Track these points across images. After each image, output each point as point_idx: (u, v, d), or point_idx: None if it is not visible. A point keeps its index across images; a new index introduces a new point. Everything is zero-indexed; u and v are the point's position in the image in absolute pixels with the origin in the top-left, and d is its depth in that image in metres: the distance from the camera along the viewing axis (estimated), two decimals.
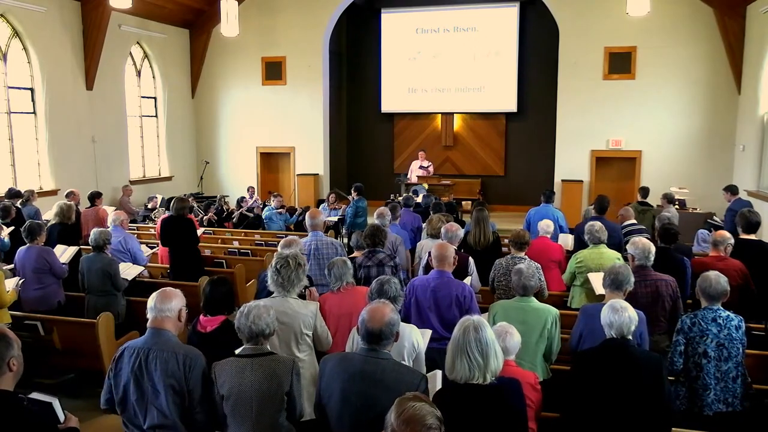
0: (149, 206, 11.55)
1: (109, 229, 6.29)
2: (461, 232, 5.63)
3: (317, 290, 4.87)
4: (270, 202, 11.26)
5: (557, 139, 12.86)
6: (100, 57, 11.31)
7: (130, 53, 12.78)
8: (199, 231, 7.80)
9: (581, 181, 12.66)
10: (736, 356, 3.74)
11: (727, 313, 3.78)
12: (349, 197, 10.34)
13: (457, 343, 2.73)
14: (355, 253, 5.53)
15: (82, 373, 5.90)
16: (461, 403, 2.68)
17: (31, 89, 10.41)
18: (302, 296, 3.86)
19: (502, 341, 3.15)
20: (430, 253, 4.83)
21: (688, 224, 9.90)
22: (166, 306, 3.04)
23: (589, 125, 12.53)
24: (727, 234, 5.20)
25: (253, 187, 13.00)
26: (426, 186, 12.35)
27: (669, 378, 3.75)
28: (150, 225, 10.86)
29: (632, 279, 3.95)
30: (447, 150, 15.33)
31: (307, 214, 5.75)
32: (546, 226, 6.45)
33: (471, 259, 5.45)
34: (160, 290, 3.12)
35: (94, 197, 8.84)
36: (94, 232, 5.79)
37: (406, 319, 4.35)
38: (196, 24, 14.09)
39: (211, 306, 3.66)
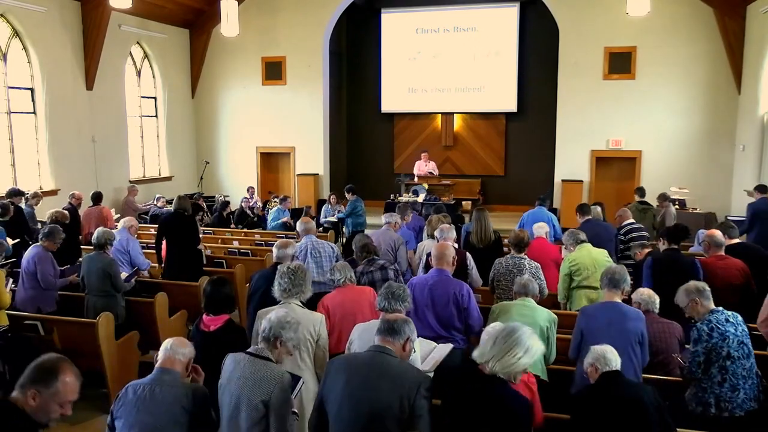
0: (158, 205, 11.59)
1: (113, 230, 6.33)
2: (453, 232, 5.68)
3: (315, 288, 4.98)
4: (273, 203, 11.26)
5: (557, 139, 12.86)
6: (100, 57, 11.30)
7: (130, 53, 12.78)
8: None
9: (581, 181, 12.66)
10: (751, 351, 3.79)
11: (730, 311, 3.83)
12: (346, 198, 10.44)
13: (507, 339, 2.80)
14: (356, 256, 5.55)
15: (81, 373, 5.92)
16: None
17: (31, 89, 10.41)
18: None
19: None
20: (430, 252, 4.86)
21: (688, 224, 9.88)
22: (181, 350, 3.05)
23: (589, 125, 12.53)
24: (717, 232, 5.24)
25: (253, 187, 13.01)
26: (426, 186, 12.37)
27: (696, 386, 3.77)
28: (151, 225, 10.87)
29: (629, 279, 4.00)
30: (447, 150, 15.33)
31: (299, 222, 5.82)
32: (539, 227, 6.57)
33: (469, 254, 5.50)
34: (176, 337, 3.15)
35: (99, 197, 8.90)
36: (98, 231, 5.78)
37: None
38: (196, 24, 14.09)
39: (213, 306, 3.69)
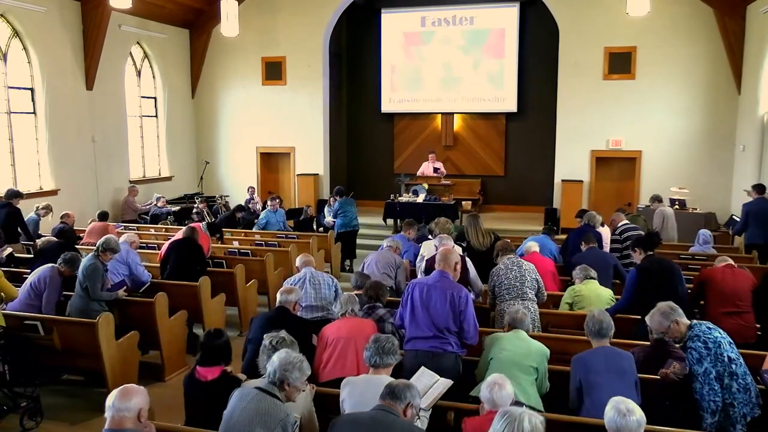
0: (159, 205, 11.59)
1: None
2: (452, 240, 5.75)
3: (313, 312, 5.21)
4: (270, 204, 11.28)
5: (557, 139, 12.86)
6: (100, 57, 11.31)
7: (130, 53, 12.78)
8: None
9: (581, 181, 12.65)
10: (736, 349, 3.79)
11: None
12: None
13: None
14: (354, 292, 5.37)
15: (81, 373, 5.92)
16: None
17: (31, 89, 10.41)
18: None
19: (489, 392, 3.07)
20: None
21: (688, 224, 9.93)
22: (125, 405, 2.77)
23: (589, 125, 12.53)
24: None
25: (253, 187, 13.01)
26: (426, 186, 12.36)
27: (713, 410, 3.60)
28: (151, 226, 10.87)
29: (612, 323, 3.86)
30: (447, 150, 15.32)
31: (299, 257, 5.76)
32: (530, 246, 6.54)
33: (468, 260, 5.50)
34: (121, 387, 2.88)
35: (105, 215, 9.14)
36: (107, 237, 5.87)
37: (401, 321, 4.36)
38: (196, 24, 14.09)
39: (208, 357, 3.59)
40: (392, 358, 3.46)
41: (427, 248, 6.16)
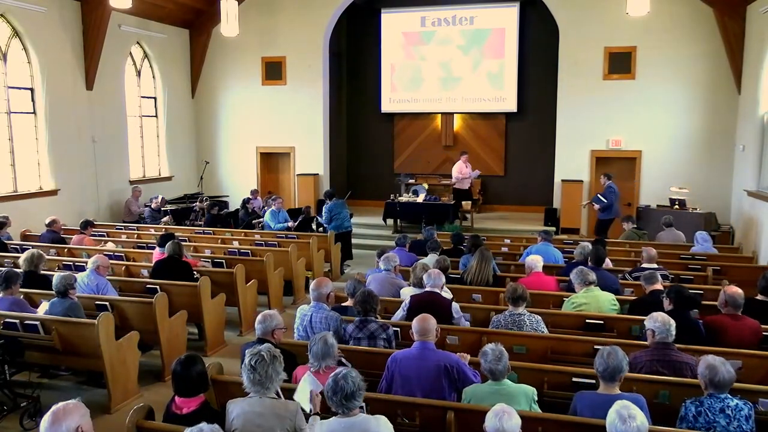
0: (153, 206, 11.59)
1: (86, 272, 6.11)
2: (442, 278, 5.33)
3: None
4: (272, 204, 11.29)
5: (557, 139, 12.86)
6: (100, 57, 11.31)
7: (130, 53, 12.78)
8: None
9: (581, 181, 12.66)
10: None
11: (736, 401, 3.32)
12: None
13: None
14: (349, 302, 5.20)
15: (81, 373, 5.92)
16: None
17: (31, 89, 10.41)
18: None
19: (499, 421, 2.93)
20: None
21: (688, 224, 9.92)
22: (66, 424, 2.60)
23: (589, 125, 12.53)
24: (739, 294, 4.67)
25: (257, 190, 13.00)
26: (426, 186, 12.37)
27: None
28: (151, 226, 10.87)
29: (626, 364, 3.44)
30: (447, 150, 15.33)
31: (312, 286, 4.95)
32: (535, 261, 6.25)
33: (455, 305, 5.17)
34: (52, 411, 2.66)
35: (86, 224, 8.77)
36: (56, 277, 5.45)
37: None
38: (196, 24, 14.09)
39: (185, 388, 3.29)
40: (360, 397, 3.09)
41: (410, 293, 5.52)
